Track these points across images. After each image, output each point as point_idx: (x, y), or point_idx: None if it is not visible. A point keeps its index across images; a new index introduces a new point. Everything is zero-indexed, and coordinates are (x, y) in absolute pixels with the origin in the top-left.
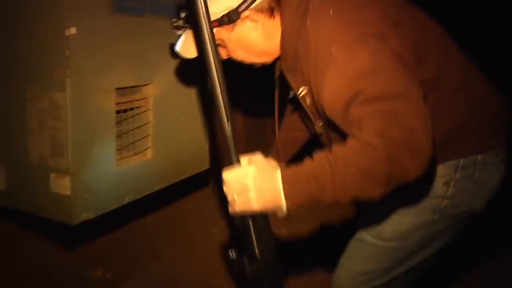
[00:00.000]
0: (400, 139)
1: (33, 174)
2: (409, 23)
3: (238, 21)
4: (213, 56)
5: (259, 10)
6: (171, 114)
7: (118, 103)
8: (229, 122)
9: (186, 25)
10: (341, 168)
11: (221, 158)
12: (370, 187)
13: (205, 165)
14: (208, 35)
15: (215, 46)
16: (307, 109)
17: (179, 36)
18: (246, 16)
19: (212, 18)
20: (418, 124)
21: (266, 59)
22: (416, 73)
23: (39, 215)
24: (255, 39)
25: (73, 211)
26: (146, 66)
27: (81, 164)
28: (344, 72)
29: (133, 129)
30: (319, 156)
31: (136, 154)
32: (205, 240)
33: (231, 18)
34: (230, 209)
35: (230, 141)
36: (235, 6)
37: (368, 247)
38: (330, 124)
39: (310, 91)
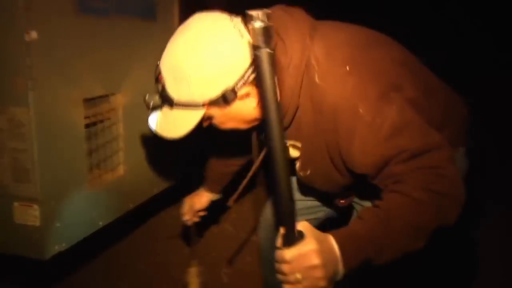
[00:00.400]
0: (445, 191)
1: None
2: (406, 59)
3: (235, 101)
4: (278, 132)
5: (254, 83)
6: (141, 124)
7: (86, 117)
8: (290, 199)
9: (164, 103)
10: (395, 228)
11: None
12: (420, 241)
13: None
14: (275, 118)
15: (281, 124)
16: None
17: (151, 113)
18: (243, 94)
19: (206, 100)
20: (455, 172)
21: (255, 123)
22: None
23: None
24: (249, 111)
25: (45, 244)
26: (114, 72)
27: (50, 190)
28: (377, 132)
29: (103, 144)
30: (369, 217)
31: (107, 172)
32: (176, 253)
33: (227, 99)
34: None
35: (291, 218)
36: (231, 85)
37: None
38: (322, 172)
39: (311, 145)
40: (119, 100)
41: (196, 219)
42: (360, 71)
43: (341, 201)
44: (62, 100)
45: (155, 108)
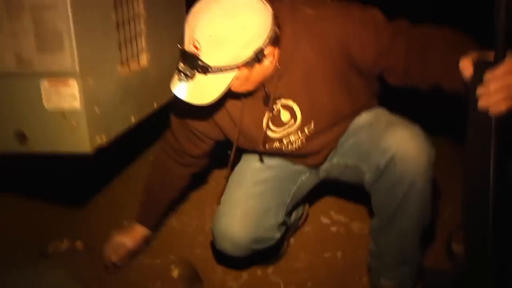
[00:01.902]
0: None
1: (5, 88)
2: None
3: (263, 59)
4: None
5: (274, 44)
6: (160, 8)
7: None
8: None
9: (197, 72)
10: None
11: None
12: None
13: None
14: None
15: None
16: (292, 120)
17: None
18: (267, 53)
19: (240, 62)
20: None
21: (260, 84)
22: None
23: (22, 151)
24: (265, 70)
25: (88, 132)
26: None
27: (87, 62)
28: (381, 25)
29: (127, 21)
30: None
31: (133, 58)
32: None
33: (258, 58)
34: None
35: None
36: (261, 45)
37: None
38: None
39: (310, 85)
40: None
41: (126, 261)
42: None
43: (315, 158)
44: None
45: (183, 79)
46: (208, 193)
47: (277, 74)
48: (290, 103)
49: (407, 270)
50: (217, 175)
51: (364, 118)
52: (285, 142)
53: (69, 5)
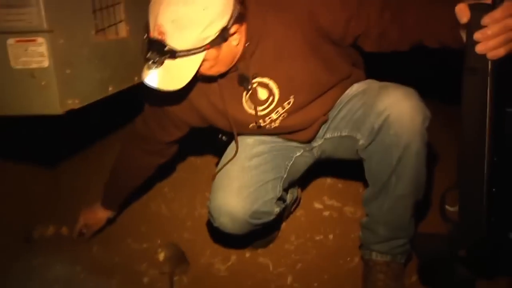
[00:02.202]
0: None
1: None
2: None
3: (229, 38)
4: None
5: (239, 22)
6: None
7: None
8: None
9: (166, 58)
10: None
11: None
12: None
13: None
14: None
15: None
16: (271, 97)
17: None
18: (232, 32)
19: (207, 42)
20: None
21: (232, 65)
22: None
23: None
24: (234, 49)
25: (58, 93)
26: None
27: (57, 19)
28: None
29: None
30: None
31: (110, 27)
32: None
33: (224, 37)
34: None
35: None
36: (225, 24)
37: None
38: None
39: (284, 59)
40: None
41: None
42: None
43: (304, 133)
44: None
45: (152, 66)
46: (199, 181)
47: (248, 52)
48: (266, 80)
49: (399, 244)
50: (209, 163)
51: (356, 88)
52: (267, 120)
53: None
